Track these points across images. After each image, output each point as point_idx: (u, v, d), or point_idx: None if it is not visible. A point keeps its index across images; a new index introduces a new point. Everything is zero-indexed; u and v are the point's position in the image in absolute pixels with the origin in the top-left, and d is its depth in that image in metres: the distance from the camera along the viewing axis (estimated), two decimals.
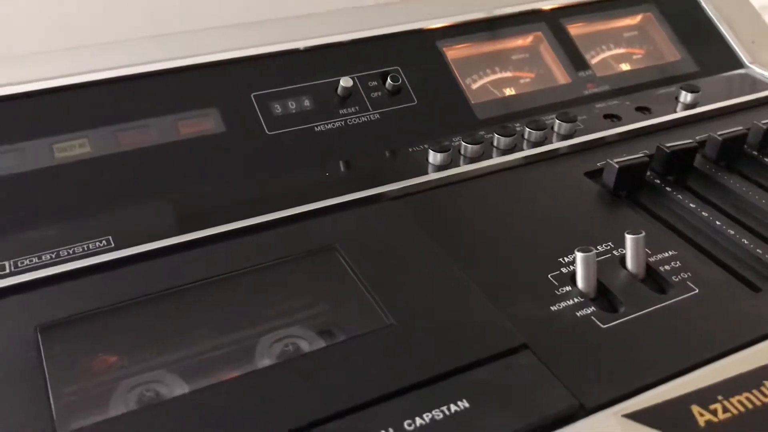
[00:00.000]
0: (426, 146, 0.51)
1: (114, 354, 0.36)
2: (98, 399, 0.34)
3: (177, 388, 0.35)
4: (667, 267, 0.41)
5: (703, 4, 0.66)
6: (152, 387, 0.35)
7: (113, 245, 0.41)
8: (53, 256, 0.40)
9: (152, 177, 0.46)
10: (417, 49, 0.57)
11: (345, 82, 0.52)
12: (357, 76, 0.53)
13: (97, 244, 0.41)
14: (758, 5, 0.69)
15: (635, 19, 0.65)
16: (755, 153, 0.52)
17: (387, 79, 0.54)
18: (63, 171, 0.45)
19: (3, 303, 0.37)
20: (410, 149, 0.51)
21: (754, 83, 0.62)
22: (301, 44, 0.54)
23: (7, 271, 0.39)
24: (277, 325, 0.38)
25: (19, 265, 0.40)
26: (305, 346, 0.37)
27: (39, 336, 0.35)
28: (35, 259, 0.40)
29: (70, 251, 0.41)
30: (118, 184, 0.45)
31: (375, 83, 0.54)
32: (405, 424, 0.31)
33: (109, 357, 0.36)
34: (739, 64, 0.64)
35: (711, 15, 0.66)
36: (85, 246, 0.41)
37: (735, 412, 0.32)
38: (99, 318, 0.37)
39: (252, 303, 0.39)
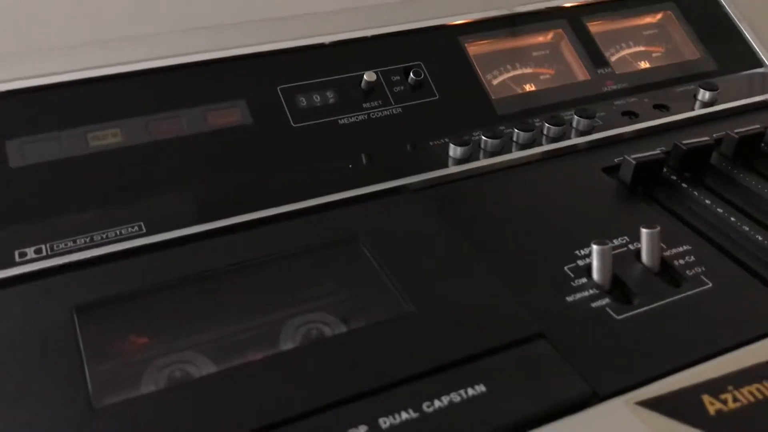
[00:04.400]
0: (447, 140, 0.52)
1: (146, 335, 0.38)
2: (131, 377, 0.35)
3: (205, 368, 0.36)
4: (681, 261, 0.42)
5: (723, 3, 0.66)
6: (182, 367, 0.36)
7: (145, 231, 0.43)
8: (87, 240, 0.42)
9: (182, 166, 0.48)
10: (439, 45, 0.58)
11: (368, 76, 0.53)
12: (380, 71, 0.55)
13: (129, 229, 0.43)
14: None
15: (655, 17, 0.66)
16: None
17: (409, 73, 0.55)
18: (97, 159, 0.46)
19: (40, 284, 0.39)
20: (431, 143, 0.52)
21: None
22: (326, 39, 0.56)
23: (44, 254, 0.41)
24: (302, 311, 0.39)
25: (55, 248, 0.41)
26: (328, 332, 0.38)
27: (75, 316, 0.37)
28: (70, 243, 0.42)
29: (104, 236, 0.42)
30: (149, 172, 0.47)
31: (398, 78, 0.55)
32: (424, 406, 0.32)
33: (141, 337, 0.38)
34: (759, 63, 0.64)
35: (731, 13, 0.66)
36: (117, 231, 0.43)
37: (745, 401, 0.33)
38: (132, 300, 0.39)
39: (278, 289, 0.41)
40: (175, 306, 0.39)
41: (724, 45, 0.65)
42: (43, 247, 0.42)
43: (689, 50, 0.64)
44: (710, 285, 0.41)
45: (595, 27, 0.63)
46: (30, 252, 0.41)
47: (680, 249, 0.43)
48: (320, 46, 0.55)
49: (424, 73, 0.56)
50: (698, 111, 0.58)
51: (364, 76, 0.53)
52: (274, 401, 0.33)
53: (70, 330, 0.36)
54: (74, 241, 0.42)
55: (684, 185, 0.49)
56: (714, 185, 0.50)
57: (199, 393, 0.34)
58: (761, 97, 0.59)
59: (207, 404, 0.33)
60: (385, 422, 0.32)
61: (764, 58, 0.64)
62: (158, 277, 0.40)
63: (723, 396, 0.34)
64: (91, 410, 0.32)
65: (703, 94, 0.59)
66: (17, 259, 0.41)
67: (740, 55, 0.65)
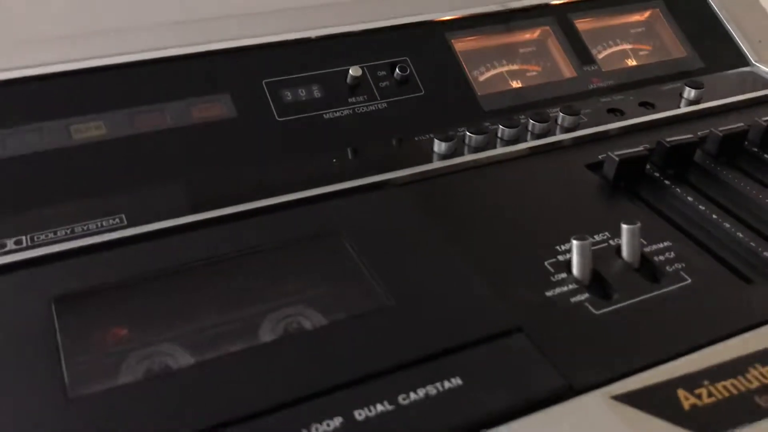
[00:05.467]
0: (431, 136, 0.52)
1: (125, 326, 0.38)
2: (108, 369, 0.35)
3: (184, 360, 0.36)
4: (661, 257, 0.42)
5: (711, 2, 0.67)
6: (160, 359, 0.36)
7: (126, 223, 0.43)
8: (68, 232, 0.42)
9: (165, 159, 0.48)
10: (426, 41, 0.58)
11: (354, 71, 0.53)
12: (366, 66, 0.55)
13: (111, 221, 0.43)
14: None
15: (643, 15, 0.66)
16: (755, 150, 0.53)
17: (395, 69, 0.55)
18: (79, 151, 0.46)
19: (19, 275, 0.39)
20: (416, 138, 0.53)
21: (759, 81, 0.63)
22: (312, 33, 0.56)
23: (24, 245, 0.41)
24: (281, 304, 0.39)
25: (35, 239, 0.41)
26: (308, 325, 0.38)
27: (54, 307, 0.37)
28: (51, 234, 0.42)
29: (85, 228, 0.42)
30: (132, 165, 0.47)
31: (384, 73, 0.55)
32: (400, 398, 0.32)
33: (120, 329, 0.38)
34: (745, 62, 0.65)
35: (718, 13, 0.66)
36: (98, 223, 0.43)
37: (720, 396, 0.34)
38: (111, 292, 0.39)
39: (258, 282, 0.41)
40: (155, 298, 0.39)
41: (711, 44, 0.65)
42: (23, 238, 0.41)
43: (676, 48, 0.64)
44: (689, 281, 0.41)
45: (582, 24, 0.63)
46: (10, 243, 0.41)
47: (661, 245, 0.43)
48: (306, 41, 0.55)
49: (411, 69, 0.56)
50: (684, 109, 0.58)
51: (350, 71, 0.53)
52: (251, 393, 0.33)
53: (49, 321, 0.36)
54: (55, 233, 0.42)
55: (667, 182, 0.49)
56: (697, 182, 0.50)
57: (175, 384, 0.34)
58: (746, 96, 0.59)
59: (182, 395, 0.33)
60: (360, 414, 0.32)
61: (750, 57, 0.65)
62: (138, 270, 0.40)
63: (698, 391, 0.34)
64: (66, 400, 0.32)
65: (689, 92, 0.59)
66: None
67: (727, 53, 0.65)
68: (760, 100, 0.60)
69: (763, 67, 0.64)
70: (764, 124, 0.53)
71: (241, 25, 0.54)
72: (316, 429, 0.31)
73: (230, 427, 0.31)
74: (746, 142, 0.53)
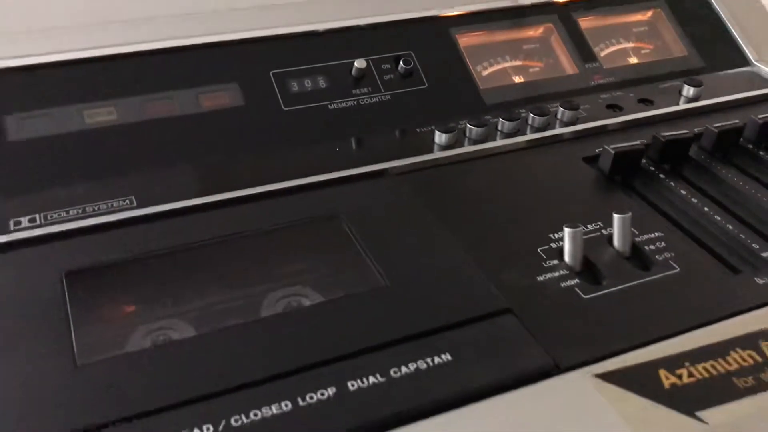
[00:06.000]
0: (433, 127, 0.53)
1: (131, 301, 0.40)
2: (114, 339, 0.37)
3: (187, 333, 0.38)
4: (652, 246, 0.44)
5: (714, 2, 0.68)
6: (164, 333, 0.38)
7: (135, 204, 0.45)
8: (80, 211, 0.44)
9: (174, 145, 0.49)
10: (430, 36, 0.59)
11: (359, 63, 0.55)
12: (371, 59, 0.56)
13: (121, 202, 0.45)
14: None
15: (646, 15, 0.67)
16: (751, 146, 0.54)
17: (399, 62, 0.56)
18: (92, 135, 0.48)
19: (33, 251, 0.41)
20: (418, 130, 0.54)
21: (759, 81, 0.64)
22: (320, 26, 0.57)
23: (38, 222, 0.43)
24: (282, 284, 0.41)
25: (48, 218, 0.43)
26: (306, 303, 0.40)
27: (64, 281, 0.39)
28: (63, 214, 0.44)
29: (96, 208, 0.44)
30: (142, 149, 0.49)
31: (388, 66, 0.57)
32: (391, 371, 0.34)
33: (127, 303, 0.39)
34: (746, 62, 0.66)
35: (720, 13, 0.67)
36: (109, 204, 0.45)
37: (699, 377, 0.35)
38: (119, 268, 0.41)
39: (260, 262, 0.43)
40: (161, 275, 0.41)
41: (713, 44, 0.66)
42: (37, 216, 0.43)
43: (678, 48, 0.66)
44: (678, 270, 0.42)
45: (585, 23, 0.64)
46: (24, 221, 0.43)
47: (652, 235, 0.45)
48: (314, 33, 0.57)
49: (414, 62, 0.57)
50: (682, 106, 0.59)
51: (355, 64, 0.55)
52: (250, 362, 0.34)
53: (60, 294, 0.38)
54: (67, 212, 0.44)
55: (662, 176, 0.51)
56: (691, 177, 0.51)
57: (176, 353, 0.36)
58: (745, 94, 0.61)
59: (183, 363, 0.35)
60: (353, 385, 0.33)
61: (751, 58, 0.66)
62: (146, 248, 0.41)
63: (678, 371, 0.35)
64: (75, 366, 0.34)
65: (688, 90, 0.60)
66: (12, 227, 0.43)
67: (728, 54, 0.66)
68: (758, 99, 0.61)
69: (763, 67, 0.65)
70: (760, 121, 0.54)
71: (251, 18, 0.56)
72: (311, 397, 0.33)
73: (230, 394, 0.33)
74: (742, 139, 0.54)
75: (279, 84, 0.54)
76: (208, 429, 0.31)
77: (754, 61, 0.65)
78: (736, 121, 0.54)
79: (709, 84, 0.61)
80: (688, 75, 0.63)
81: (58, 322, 0.36)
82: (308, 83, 0.54)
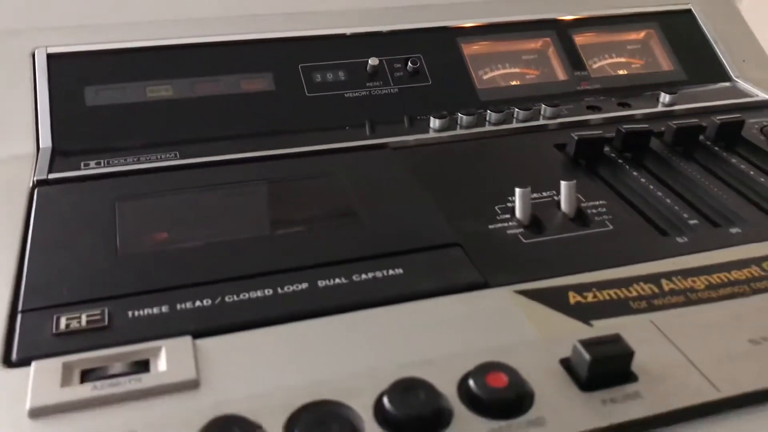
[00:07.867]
0: (431, 116, 0.63)
1: (165, 218, 0.50)
2: (147, 240, 0.48)
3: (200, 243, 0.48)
4: (593, 211, 0.52)
5: (701, 24, 0.76)
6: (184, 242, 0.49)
7: (179, 156, 0.56)
8: (134, 159, 0.56)
9: (216, 117, 0.61)
10: (439, 43, 0.70)
11: (373, 61, 0.66)
12: (384, 59, 0.67)
13: (167, 155, 0.57)
14: None
15: (639, 35, 0.75)
16: (709, 143, 0.62)
17: (408, 62, 0.67)
18: (150, 106, 0.60)
19: (95, 183, 0.53)
20: (419, 117, 0.64)
21: (735, 93, 0.71)
22: (347, 30, 0.69)
23: (101, 165, 0.55)
24: (286, 220, 0.51)
25: (110, 162, 0.55)
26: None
27: (116, 203, 0.50)
28: (121, 160, 0.56)
29: (148, 158, 0.56)
30: (189, 118, 0.61)
31: (399, 65, 0.67)
32: (353, 277, 0.44)
33: (162, 224, 0.50)
34: (727, 78, 0.73)
35: (707, 33, 0.75)
36: (158, 156, 0.56)
37: (601, 299, 0.43)
38: (159, 198, 0.52)
39: (270, 200, 0.53)
40: (190, 204, 0.52)
41: (698, 60, 0.74)
42: (101, 160, 0.55)
43: (665, 64, 0.74)
44: (611, 228, 0.50)
45: (580, 39, 0.73)
46: (92, 163, 0.55)
47: (597, 202, 0.53)
48: (341, 36, 0.68)
49: (422, 63, 0.68)
50: (657, 109, 0.67)
51: (369, 61, 0.66)
52: (246, 263, 0.45)
53: (112, 211, 0.49)
54: (125, 159, 0.56)
55: (621, 161, 0.59)
56: (648, 165, 0.59)
57: (192, 254, 0.46)
58: (717, 102, 0.68)
59: (196, 260, 0.45)
60: (321, 283, 0.43)
61: (732, 74, 0.73)
62: (180, 185, 0.53)
63: (585, 294, 0.43)
64: (116, 255, 0.45)
65: (664, 97, 0.68)
66: (82, 166, 0.55)
67: (711, 70, 0.74)
68: (729, 108, 0.68)
69: (742, 83, 0.72)
70: (718, 121, 0.61)
71: (286, 21, 0.67)
72: (288, 288, 0.43)
73: (226, 282, 0.43)
74: (703, 138, 0.62)
75: (305, 75, 0.65)
76: (206, 301, 0.41)
77: (734, 77, 0.73)
78: (695, 120, 0.61)
79: (687, 94, 0.69)
80: (670, 86, 0.71)
81: (108, 228, 0.48)
82: (329, 75, 0.65)
